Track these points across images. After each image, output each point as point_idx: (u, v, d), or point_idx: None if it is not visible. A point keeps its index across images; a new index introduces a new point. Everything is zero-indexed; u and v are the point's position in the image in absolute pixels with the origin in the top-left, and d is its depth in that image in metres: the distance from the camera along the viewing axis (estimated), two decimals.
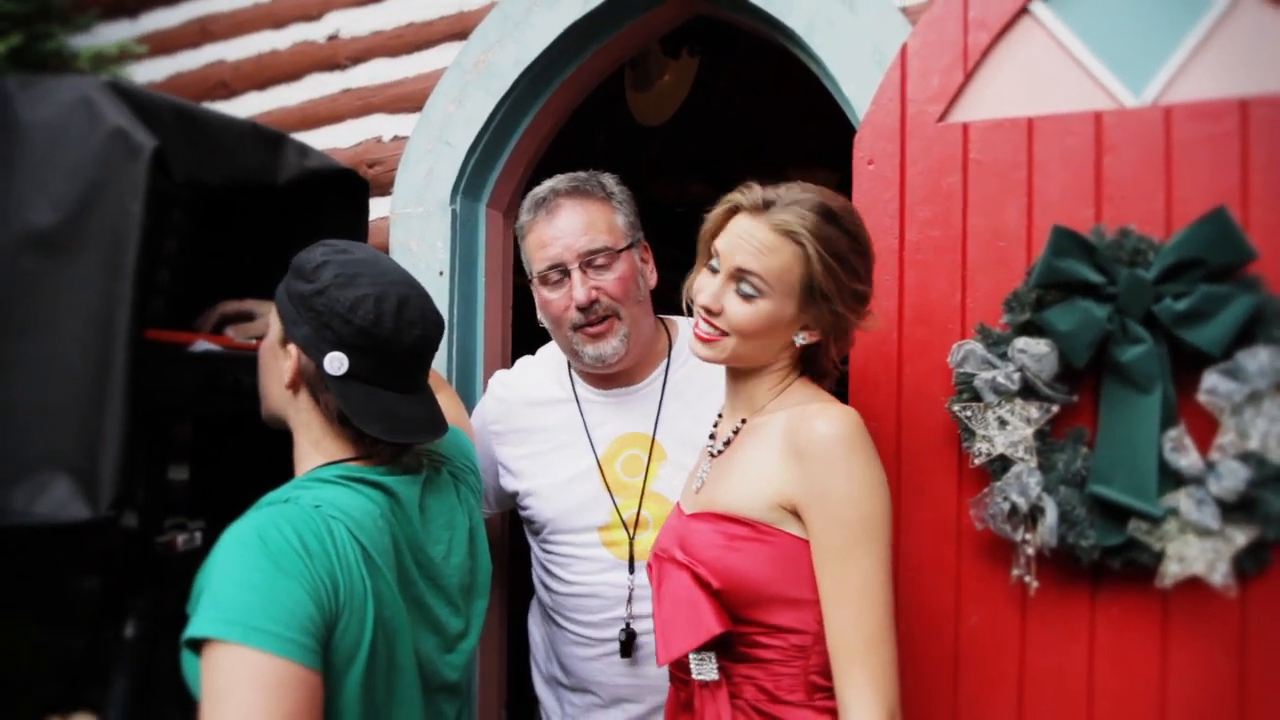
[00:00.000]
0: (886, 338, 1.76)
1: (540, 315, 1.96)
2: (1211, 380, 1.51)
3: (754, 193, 1.47)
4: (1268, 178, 1.57)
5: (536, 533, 2.03)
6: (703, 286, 1.49)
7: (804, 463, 1.37)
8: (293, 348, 1.36)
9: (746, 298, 1.44)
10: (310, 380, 1.36)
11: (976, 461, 1.64)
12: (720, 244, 1.48)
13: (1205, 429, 1.53)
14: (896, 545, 1.40)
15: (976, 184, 1.74)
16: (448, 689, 1.45)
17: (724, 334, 1.46)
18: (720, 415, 1.63)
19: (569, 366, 2.03)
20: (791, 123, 4.31)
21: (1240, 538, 1.50)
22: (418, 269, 2.40)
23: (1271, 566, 1.52)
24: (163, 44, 2.90)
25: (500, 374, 2.17)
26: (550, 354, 2.09)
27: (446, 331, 2.39)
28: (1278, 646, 1.52)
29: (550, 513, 1.96)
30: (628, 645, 1.86)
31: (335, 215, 1.87)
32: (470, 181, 2.52)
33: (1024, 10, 1.75)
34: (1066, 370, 1.60)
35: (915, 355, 1.76)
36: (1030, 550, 1.60)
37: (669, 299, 1.93)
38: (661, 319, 2.05)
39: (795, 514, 1.39)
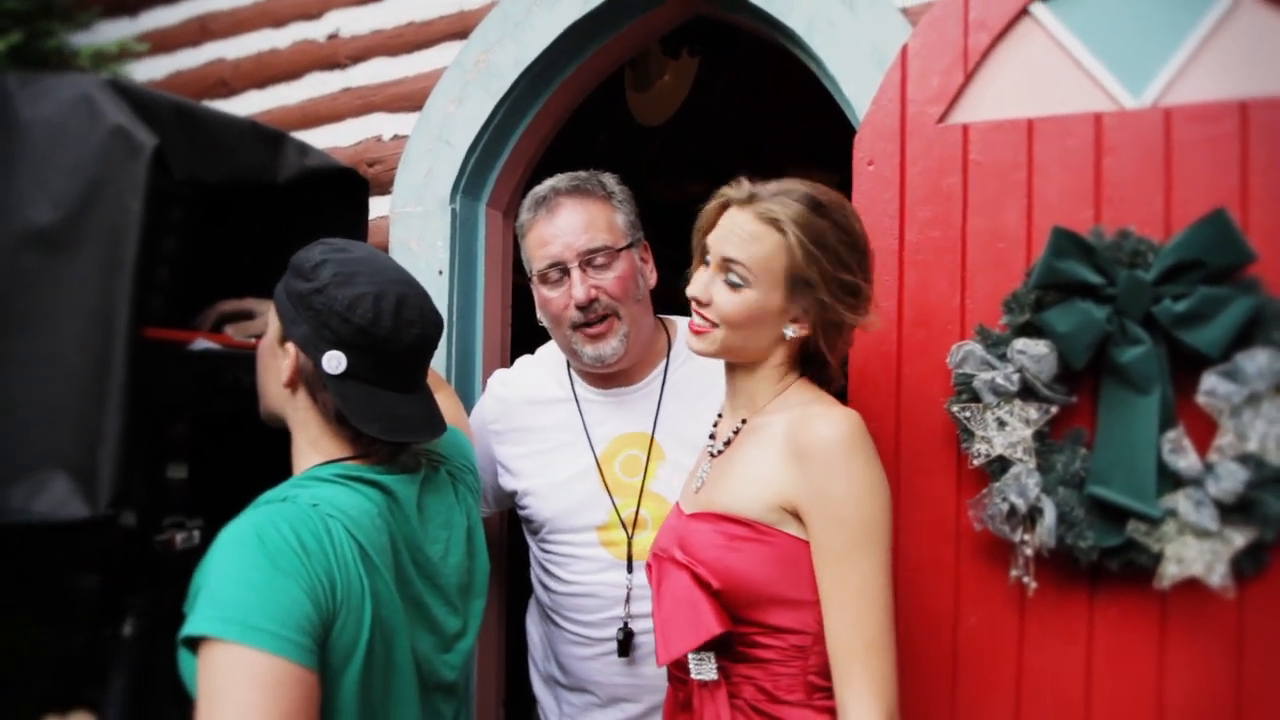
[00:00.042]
0: (886, 338, 1.76)
1: (540, 314, 1.96)
2: (1210, 382, 1.51)
3: (743, 186, 1.50)
4: (1267, 179, 1.57)
5: (535, 532, 2.03)
6: (695, 279, 1.52)
7: (805, 464, 1.38)
8: (291, 346, 1.36)
9: (733, 287, 1.46)
10: (308, 379, 1.36)
11: (975, 462, 1.64)
12: (711, 237, 1.50)
13: (1204, 430, 1.53)
14: (895, 546, 1.40)
15: (976, 185, 1.74)
16: (445, 689, 1.44)
17: (714, 325, 1.48)
18: (720, 415, 1.63)
19: (568, 366, 2.03)
20: (791, 123, 4.31)
21: (1238, 539, 1.50)
22: (417, 268, 2.40)
23: (1269, 568, 1.52)
24: (163, 42, 2.90)
25: (499, 373, 2.17)
26: (549, 353, 2.10)
27: (446, 331, 2.41)
28: (1275, 648, 1.53)
29: (549, 512, 1.96)
30: (625, 645, 1.86)
31: (335, 214, 1.87)
32: (470, 181, 2.52)
33: (1024, 11, 1.75)
34: (1065, 371, 1.60)
35: (914, 356, 1.76)
36: (1029, 551, 1.60)
37: (669, 299, 1.93)
38: (661, 319, 2.05)
39: (795, 515, 1.39)
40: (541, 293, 1.92)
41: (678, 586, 1.43)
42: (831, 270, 1.43)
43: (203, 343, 1.64)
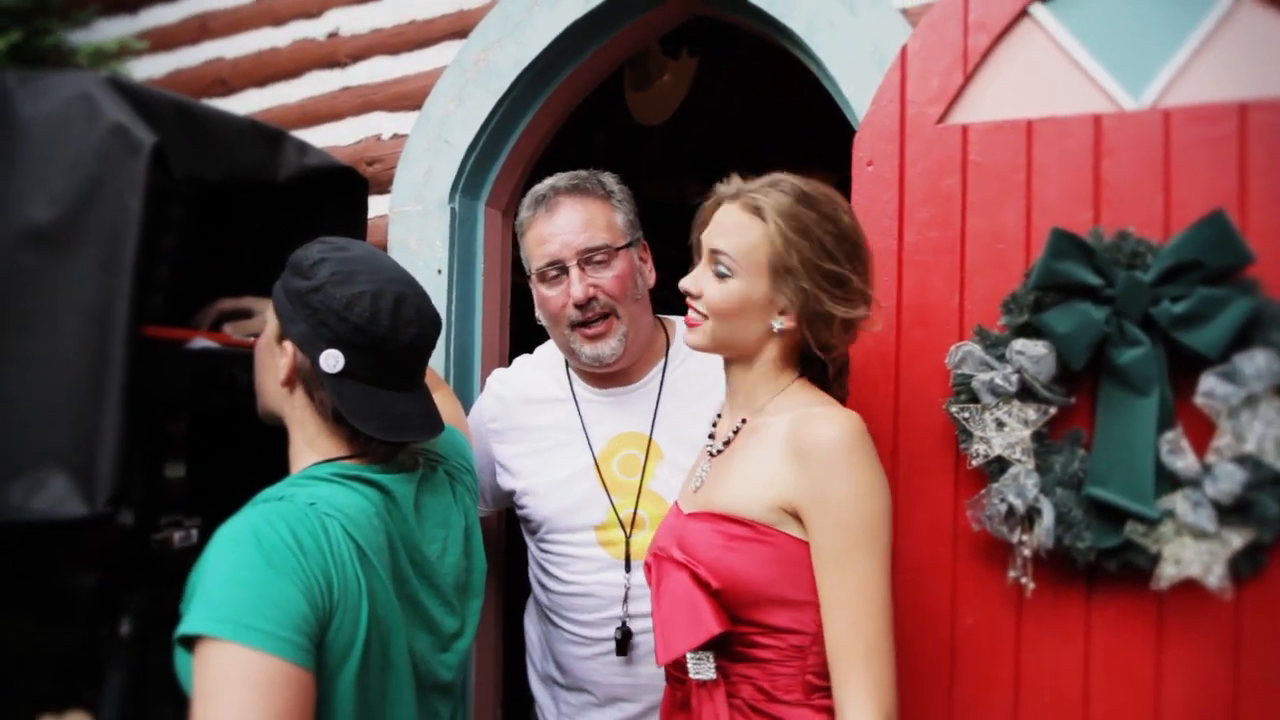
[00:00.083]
0: (884, 339, 1.76)
1: (538, 313, 1.96)
2: (1209, 383, 1.52)
3: (733, 182, 1.52)
4: (1266, 181, 1.57)
5: (533, 532, 2.03)
6: (689, 275, 1.54)
7: (806, 465, 1.38)
8: (288, 344, 1.36)
9: (721, 278, 1.48)
10: (306, 377, 1.36)
11: (974, 463, 1.64)
12: (703, 233, 1.52)
13: (1202, 432, 1.53)
14: (894, 546, 1.40)
15: (975, 186, 1.74)
16: (441, 688, 1.44)
17: (705, 318, 1.50)
18: (719, 415, 1.63)
19: (566, 365, 2.04)
20: (791, 123, 4.30)
21: (1236, 540, 1.50)
22: (416, 267, 2.40)
23: (1267, 569, 1.52)
24: (162, 40, 2.90)
25: (498, 372, 2.17)
26: (548, 353, 2.10)
27: (445, 330, 2.40)
28: (1272, 648, 1.53)
29: (547, 511, 1.96)
30: (624, 644, 1.86)
31: (334, 213, 1.87)
32: (469, 180, 2.52)
33: (1024, 13, 1.75)
34: (1064, 372, 1.60)
35: (913, 356, 1.76)
36: (1027, 551, 1.60)
37: (668, 299, 1.93)
38: (660, 318, 2.05)
39: (795, 516, 1.39)
40: (540, 291, 1.92)
41: (677, 586, 1.43)
42: (814, 258, 1.43)
43: (201, 341, 1.64)
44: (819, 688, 1.39)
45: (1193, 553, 1.51)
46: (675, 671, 1.51)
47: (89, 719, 1.44)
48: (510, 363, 2.21)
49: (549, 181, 1.95)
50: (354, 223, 1.91)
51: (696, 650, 1.41)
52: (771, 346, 1.50)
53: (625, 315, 1.88)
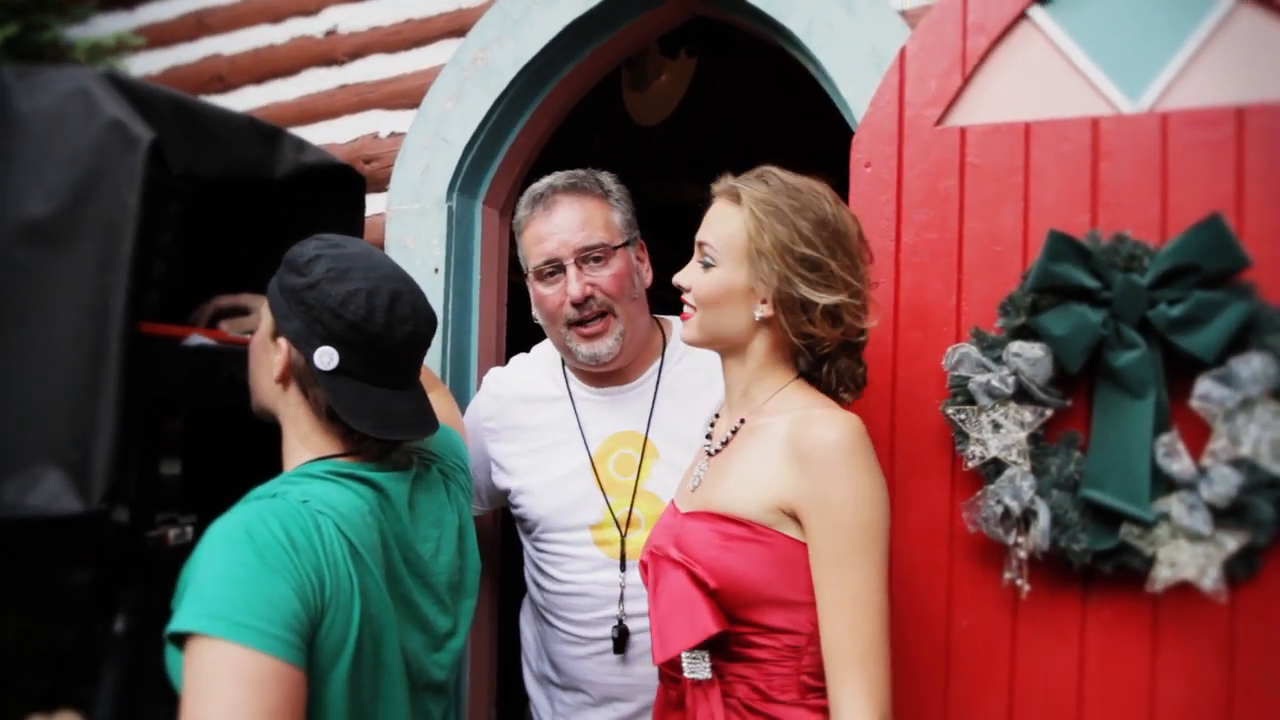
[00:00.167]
0: (881, 340, 1.76)
1: (535, 311, 1.96)
2: (1204, 386, 1.52)
3: (725, 180, 1.55)
4: (1263, 185, 1.57)
5: (528, 531, 2.02)
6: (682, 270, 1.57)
7: (805, 467, 1.38)
8: (283, 341, 1.35)
9: (706, 267, 1.51)
10: (300, 374, 1.35)
11: (970, 464, 1.64)
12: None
13: (1198, 435, 1.54)
14: (890, 547, 1.40)
15: (973, 188, 1.74)
16: (434, 688, 1.44)
17: (695, 309, 1.52)
18: (717, 414, 1.63)
19: (563, 364, 2.03)
20: (789, 124, 4.30)
21: (1231, 543, 1.50)
22: (413, 266, 2.40)
23: (1261, 572, 1.52)
24: (159, 37, 2.89)
25: (495, 371, 2.16)
26: (545, 351, 2.10)
27: (441, 328, 2.40)
28: (1267, 652, 1.53)
29: (542, 510, 1.96)
30: (620, 642, 1.86)
31: (331, 210, 1.87)
32: (467, 179, 2.52)
33: (1022, 15, 1.76)
34: (1060, 374, 1.60)
35: (910, 358, 1.76)
36: (1022, 553, 1.61)
37: (665, 299, 1.93)
38: (656, 318, 2.05)
39: (794, 517, 1.39)
40: (537, 290, 1.92)
41: (674, 585, 1.42)
42: (786, 242, 1.43)
43: (198, 338, 1.64)
44: (814, 688, 1.39)
45: (1188, 555, 1.51)
46: (670, 671, 1.51)
47: (79, 718, 1.43)
48: (507, 362, 2.20)
49: (547, 180, 1.95)
50: (351, 221, 1.91)
51: (693, 649, 1.41)
52: (760, 339, 1.50)
53: (622, 314, 1.88)
